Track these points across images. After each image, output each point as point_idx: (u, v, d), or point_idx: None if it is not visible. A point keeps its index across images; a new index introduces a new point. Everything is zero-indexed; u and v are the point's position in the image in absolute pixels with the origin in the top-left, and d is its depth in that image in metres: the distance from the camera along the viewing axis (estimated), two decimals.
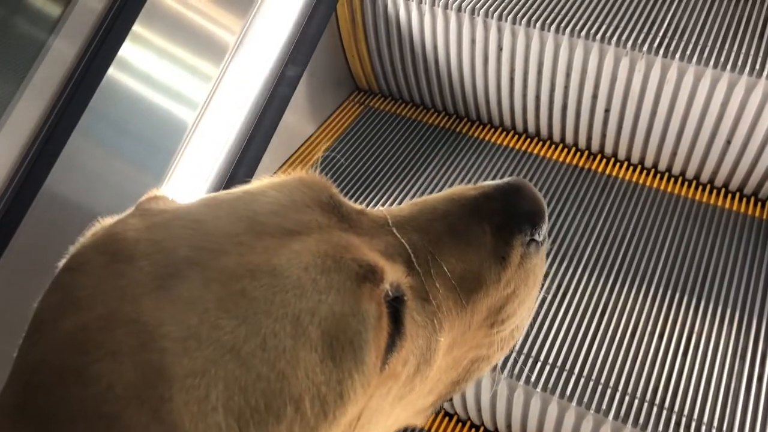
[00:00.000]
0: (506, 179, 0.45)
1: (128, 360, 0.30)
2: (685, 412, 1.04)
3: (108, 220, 0.37)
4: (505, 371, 1.09)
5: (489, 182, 0.45)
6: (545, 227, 0.45)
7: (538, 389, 1.06)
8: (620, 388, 1.06)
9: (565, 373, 1.08)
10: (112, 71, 0.95)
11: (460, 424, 1.24)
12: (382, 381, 0.37)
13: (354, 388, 0.33)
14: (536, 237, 0.45)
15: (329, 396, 0.32)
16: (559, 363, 1.09)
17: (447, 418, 1.26)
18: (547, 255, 1.25)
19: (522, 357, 1.10)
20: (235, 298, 0.32)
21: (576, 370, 1.08)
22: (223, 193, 0.38)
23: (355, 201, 1.38)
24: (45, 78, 0.89)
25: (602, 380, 1.07)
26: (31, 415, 0.30)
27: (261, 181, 0.40)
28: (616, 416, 1.03)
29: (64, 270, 0.35)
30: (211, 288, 0.32)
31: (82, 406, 0.29)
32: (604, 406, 1.04)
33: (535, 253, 0.45)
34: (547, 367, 1.09)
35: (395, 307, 0.37)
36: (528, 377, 1.08)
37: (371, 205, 1.37)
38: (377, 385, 0.36)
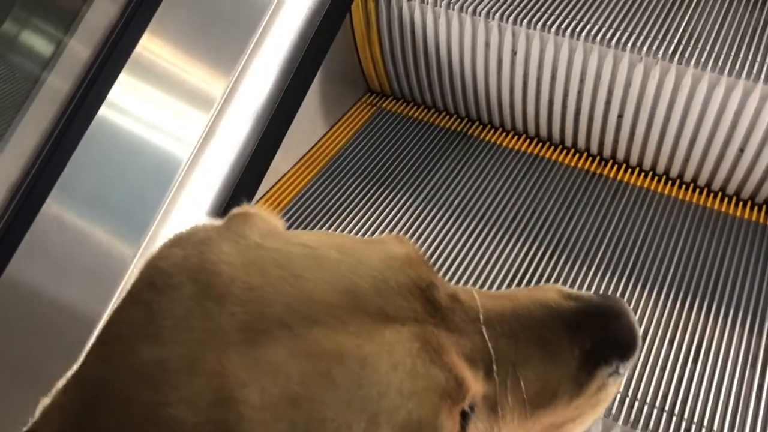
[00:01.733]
0: (607, 298, 0.43)
1: (203, 414, 0.29)
2: (695, 418, 1.04)
3: (200, 225, 0.36)
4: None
5: (588, 294, 0.42)
6: (633, 360, 0.43)
7: None
8: (630, 393, 1.06)
9: None
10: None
11: None
12: None
13: None
14: (620, 370, 0.42)
15: None
16: None
17: None
18: (558, 260, 1.26)
19: None
20: (319, 378, 0.31)
21: None
22: (326, 242, 0.37)
23: (367, 202, 1.38)
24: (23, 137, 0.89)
25: None
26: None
27: (367, 242, 0.39)
28: (626, 421, 1.03)
29: (149, 284, 0.33)
30: (298, 359, 0.31)
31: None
32: (613, 411, 1.04)
33: (612, 383, 0.43)
34: None
35: (464, 413, 0.36)
36: None
37: (384, 207, 1.37)
38: None
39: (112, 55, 0.95)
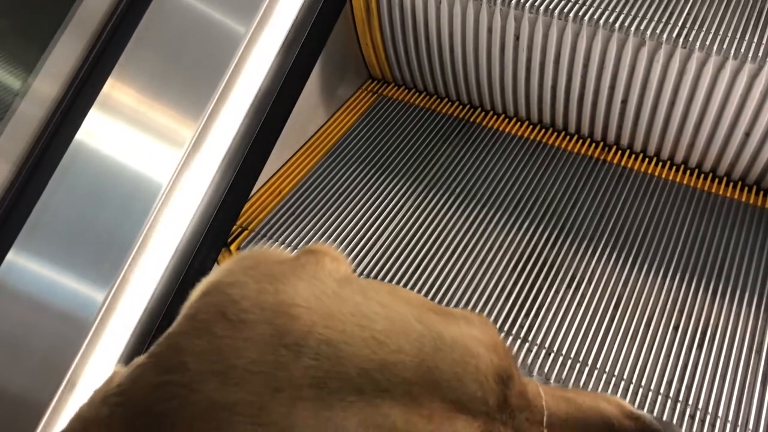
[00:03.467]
0: (667, 425, 0.45)
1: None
2: (700, 405, 1.03)
3: (269, 251, 0.36)
4: (519, 361, 1.08)
5: (650, 417, 0.44)
6: None
7: (552, 380, 1.06)
8: (634, 380, 1.06)
9: (578, 365, 1.07)
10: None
11: None
12: None
13: None
14: None
15: None
16: (572, 355, 1.09)
17: None
18: (561, 246, 1.25)
19: (536, 348, 1.10)
20: None
21: (590, 362, 1.08)
22: (407, 306, 0.36)
23: (369, 189, 1.37)
24: None
25: (616, 372, 1.07)
26: None
27: (448, 314, 0.38)
28: None
29: (220, 314, 0.32)
30: (367, 431, 0.31)
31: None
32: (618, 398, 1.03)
33: None
34: (561, 359, 1.08)
35: None
36: (542, 368, 1.07)
37: (386, 195, 1.37)
38: None
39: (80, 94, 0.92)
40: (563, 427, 0.40)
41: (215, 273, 0.35)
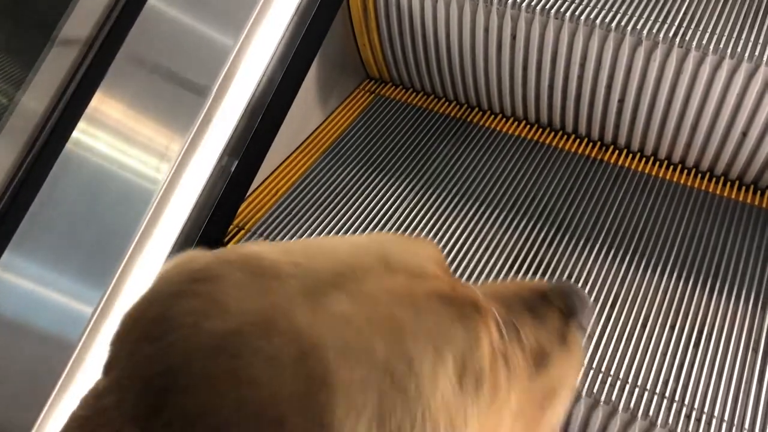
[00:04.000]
0: (558, 281, 0.51)
1: (290, 366, 0.31)
2: (696, 404, 1.03)
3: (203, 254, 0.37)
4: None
5: (543, 282, 0.51)
6: (589, 320, 0.51)
7: None
8: (630, 379, 1.06)
9: None
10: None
11: None
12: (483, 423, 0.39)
13: (473, 416, 0.37)
14: (584, 325, 0.50)
15: (457, 421, 0.35)
16: None
17: None
18: (558, 246, 1.25)
19: None
20: (384, 320, 0.34)
21: (585, 362, 1.07)
22: (351, 237, 0.42)
23: (366, 189, 1.37)
24: None
25: (612, 372, 1.07)
26: (168, 420, 0.30)
27: (383, 234, 0.44)
28: (626, 408, 1.02)
29: (194, 281, 0.34)
30: (361, 309, 0.34)
31: (240, 409, 0.29)
32: (614, 398, 1.03)
33: (581, 337, 0.50)
34: None
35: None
36: None
37: (383, 195, 1.37)
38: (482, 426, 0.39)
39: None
40: (496, 296, 0.45)
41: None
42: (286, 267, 0.35)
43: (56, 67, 0.89)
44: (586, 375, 1.06)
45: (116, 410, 0.31)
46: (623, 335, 1.12)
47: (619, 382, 1.05)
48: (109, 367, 0.33)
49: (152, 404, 0.30)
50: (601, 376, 1.06)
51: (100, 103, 0.92)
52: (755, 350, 1.09)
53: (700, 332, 1.12)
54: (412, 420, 0.33)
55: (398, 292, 0.36)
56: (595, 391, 1.04)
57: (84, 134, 0.91)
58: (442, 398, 0.34)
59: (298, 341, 0.31)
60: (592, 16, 1.27)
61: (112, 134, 0.95)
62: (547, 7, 1.30)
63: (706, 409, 1.02)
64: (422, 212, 1.32)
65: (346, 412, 0.31)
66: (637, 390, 1.05)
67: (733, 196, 1.35)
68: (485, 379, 0.37)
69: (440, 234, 1.28)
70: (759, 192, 1.35)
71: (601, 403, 1.03)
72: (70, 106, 0.88)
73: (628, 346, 1.10)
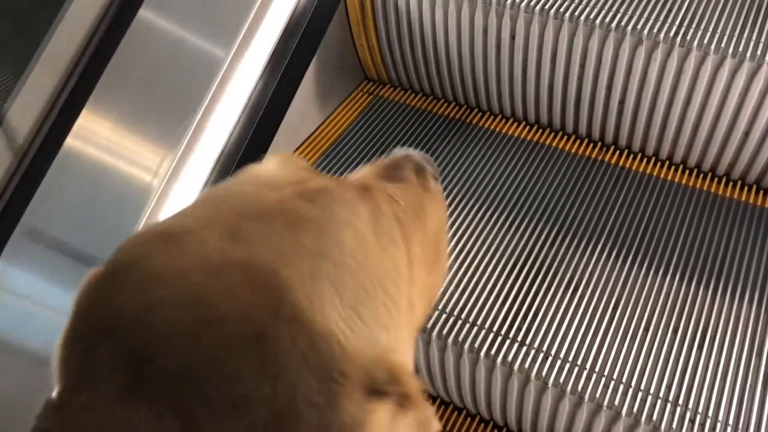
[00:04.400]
0: (395, 151, 0.60)
1: (246, 289, 0.33)
2: (700, 409, 1.02)
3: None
4: (516, 365, 1.07)
5: (385, 158, 0.59)
6: (436, 168, 0.60)
7: (550, 385, 1.05)
8: (633, 384, 1.04)
9: (577, 369, 1.06)
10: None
11: (482, 424, 1.22)
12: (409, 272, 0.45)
13: (403, 266, 0.43)
14: (436, 175, 0.59)
15: (394, 274, 0.41)
16: (570, 358, 1.07)
17: (469, 419, 1.25)
18: (559, 248, 1.24)
19: (533, 351, 1.08)
20: (298, 222, 0.38)
21: (588, 366, 1.06)
22: (222, 185, 0.44)
23: None
24: None
25: (615, 376, 1.05)
26: (152, 383, 0.31)
27: (246, 170, 0.47)
28: (630, 413, 1.01)
29: (115, 271, 0.35)
30: (275, 223, 0.37)
31: (222, 343, 0.31)
32: (617, 402, 1.02)
33: (438, 185, 0.59)
34: (558, 362, 1.07)
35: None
36: (540, 372, 1.06)
37: None
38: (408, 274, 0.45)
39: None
40: (361, 178, 0.52)
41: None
42: (191, 224, 0.37)
43: (42, 82, 0.88)
44: (588, 380, 1.05)
45: (95, 403, 0.31)
46: (626, 338, 1.10)
47: (622, 387, 1.04)
48: (66, 378, 0.33)
49: (132, 377, 0.31)
50: (603, 380, 1.05)
51: (87, 120, 0.91)
52: (759, 354, 1.08)
53: (704, 335, 1.11)
54: (363, 286, 0.37)
55: (295, 199, 0.40)
56: (597, 395, 1.03)
57: (71, 150, 0.90)
58: (375, 260, 0.40)
59: (240, 268, 0.34)
60: (591, 16, 1.26)
61: (100, 150, 0.94)
62: (546, 7, 1.28)
63: (710, 414, 1.01)
64: None
65: (310, 301, 0.34)
66: (640, 394, 1.04)
67: (735, 197, 1.34)
68: (397, 234, 0.44)
69: None
70: (762, 192, 1.34)
71: (604, 408, 1.02)
72: (58, 122, 0.88)
73: (631, 350, 1.09)
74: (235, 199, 0.41)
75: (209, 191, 0.44)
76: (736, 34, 1.22)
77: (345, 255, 0.38)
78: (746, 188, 1.35)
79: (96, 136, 0.93)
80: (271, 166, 0.46)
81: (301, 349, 0.32)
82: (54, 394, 0.33)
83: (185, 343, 0.31)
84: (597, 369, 1.06)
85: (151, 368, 0.31)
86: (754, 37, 1.21)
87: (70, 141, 0.88)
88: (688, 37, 1.21)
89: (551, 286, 1.18)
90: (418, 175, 0.57)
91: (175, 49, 1.07)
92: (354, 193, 0.43)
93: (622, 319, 1.13)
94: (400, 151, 0.60)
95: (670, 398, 1.03)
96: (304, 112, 1.52)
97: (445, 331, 1.11)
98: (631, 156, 1.42)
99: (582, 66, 1.31)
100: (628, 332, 1.11)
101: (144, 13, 0.95)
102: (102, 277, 0.35)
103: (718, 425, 1.00)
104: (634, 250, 1.24)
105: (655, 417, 1.01)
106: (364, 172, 0.56)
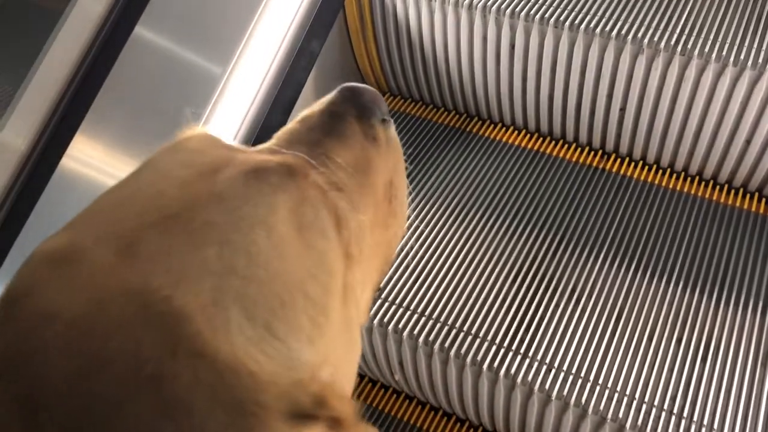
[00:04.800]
0: (338, 89, 0.51)
1: (138, 324, 0.30)
2: (705, 421, 1.01)
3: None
4: (519, 377, 1.06)
5: (326, 97, 0.51)
6: (385, 107, 0.53)
7: (554, 397, 1.04)
8: (637, 396, 1.04)
9: (580, 381, 1.05)
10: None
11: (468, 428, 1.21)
12: (346, 262, 0.40)
13: (333, 262, 0.38)
14: (385, 117, 0.52)
15: (320, 274, 0.36)
16: (574, 370, 1.07)
17: (472, 430, 1.24)
18: (561, 257, 1.23)
19: (536, 364, 1.08)
20: (201, 231, 0.33)
21: (592, 378, 1.05)
22: (124, 181, 0.40)
23: None
24: None
25: (618, 388, 1.04)
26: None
27: (153, 154, 0.42)
28: (634, 425, 1.00)
29: (9, 303, 0.32)
30: (174, 234, 0.33)
31: (117, 387, 0.28)
32: (621, 415, 1.01)
33: (389, 128, 0.52)
34: (562, 374, 1.06)
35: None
36: (543, 385, 1.05)
37: None
38: (344, 265, 0.40)
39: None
40: (292, 139, 0.46)
41: None
42: (83, 242, 0.34)
43: (35, 105, 0.87)
44: (591, 392, 1.04)
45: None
46: (629, 350, 1.10)
47: (626, 399, 1.03)
48: None
49: (29, 429, 0.28)
50: (607, 392, 1.04)
51: (80, 143, 0.90)
52: (764, 364, 1.07)
53: (708, 346, 1.10)
54: (278, 298, 0.33)
55: (200, 199, 0.35)
56: (601, 408, 1.02)
57: (66, 172, 0.89)
58: (294, 263, 0.35)
59: (132, 298, 0.30)
60: (591, 25, 1.26)
61: (95, 171, 0.93)
62: (546, 16, 1.28)
63: (715, 426, 1.00)
64: (423, 223, 1.30)
65: (213, 330, 0.30)
66: (644, 406, 1.03)
67: (737, 204, 1.33)
68: (327, 223, 0.38)
69: (442, 244, 1.26)
70: (764, 200, 1.33)
71: (608, 421, 1.01)
72: (50, 147, 0.87)
73: (635, 361, 1.08)
74: (135, 200, 0.36)
75: (110, 188, 0.39)
76: (737, 42, 1.22)
77: (255, 265, 0.33)
78: (748, 196, 1.34)
79: (90, 157, 0.92)
80: (177, 152, 0.41)
81: (207, 384, 0.29)
82: None
83: (73, 390, 0.28)
84: (600, 381, 1.05)
85: (44, 418, 0.28)
86: (755, 46, 1.21)
87: (66, 161, 0.88)
88: (689, 46, 1.21)
89: (554, 297, 1.17)
90: (361, 121, 0.49)
91: (173, 62, 1.07)
92: (272, 182, 0.37)
93: (626, 329, 1.12)
94: (337, 93, 0.51)
95: (675, 410, 1.02)
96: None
97: (447, 344, 1.10)
98: (633, 164, 1.41)
99: (582, 74, 1.31)
100: (631, 343, 1.10)
101: (140, 30, 0.95)
102: None
103: None
104: (636, 259, 1.23)
105: (659, 430, 1.00)
106: (294, 128, 0.48)
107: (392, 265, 1.22)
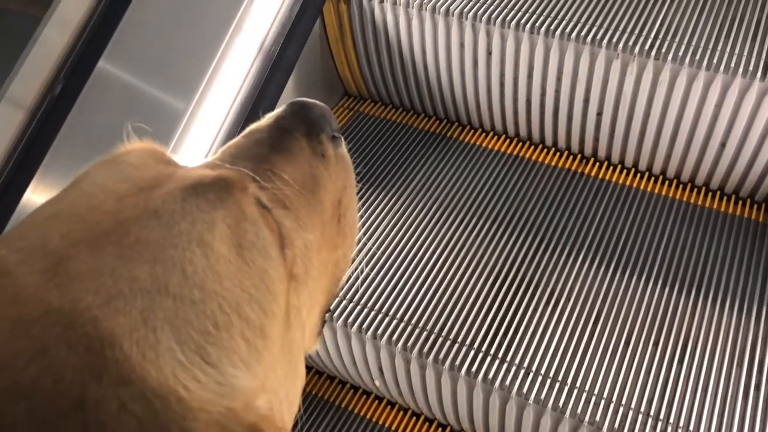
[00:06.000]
0: (288, 104, 0.50)
1: (61, 347, 0.28)
2: (681, 422, 1.02)
3: None
4: (497, 381, 1.06)
5: (275, 111, 0.50)
6: (335, 124, 0.52)
7: (531, 401, 1.04)
8: (614, 398, 1.04)
9: (558, 384, 1.06)
10: None
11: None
12: (290, 283, 0.39)
13: (274, 282, 0.36)
14: (335, 134, 0.51)
15: (259, 295, 0.35)
16: (551, 374, 1.07)
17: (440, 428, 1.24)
18: (540, 260, 1.23)
19: (514, 368, 1.08)
20: (134, 248, 0.32)
21: (569, 381, 1.06)
22: (60, 193, 0.38)
23: None
24: None
25: (596, 391, 1.05)
26: None
27: (90, 164, 0.41)
28: (611, 428, 1.01)
29: None
30: (105, 251, 0.32)
31: (35, 416, 0.27)
32: (598, 418, 1.02)
33: (339, 145, 0.51)
34: (540, 378, 1.07)
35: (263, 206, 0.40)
36: (521, 389, 1.05)
37: (363, 211, 1.35)
38: (288, 285, 0.39)
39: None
40: (238, 155, 0.44)
41: None
42: (9, 258, 0.32)
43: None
44: (569, 395, 1.05)
45: None
46: (606, 353, 1.10)
47: (603, 402, 1.04)
48: None
49: None
50: (585, 395, 1.05)
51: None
52: (740, 365, 1.08)
53: (684, 348, 1.11)
54: (212, 319, 0.32)
55: (135, 215, 0.34)
56: (578, 411, 1.03)
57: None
58: (233, 285, 0.34)
59: (56, 319, 0.29)
60: (567, 31, 1.27)
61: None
62: (522, 22, 1.29)
63: (691, 428, 1.01)
64: (403, 228, 1.31)
65: (142, 354, 0.29)
66: (621, 409, 1.03)
67: (714, 206, 1.34)
68: (268, 242, 0.37)
69: (422, 249, 1.26)
70: (740, 201, 1.35)
71: (585, 424, 1.02)
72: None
73: (612, 364, 1.09)
74: (67, 215, 0.35)
75: (45, 203, 0.37)
76: (710, 47, 1.23)
77: (189, 285, 0.32)
78: (725, 198, 1.35)
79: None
80: (116, 165, 0.39)
81: (133, 412, 0.28)
82: None
83: None
84: (578, 384, 1.06)
85: None
86: (727, 50, 1.22)
87: (28, 198, 0.86)
88: (663, 50, 1.22)
89: (531, 301, 1.18)
90: (310, 138, 0.48)
91: (155, 71, 1.07)
92: (210, 198, 0.36)
93: (603, 333, 1.13)
94: (286, 107, 0.50)
95: (651, 413, 1.03)
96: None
97: (426, 349, 1.11)
98: (611, 168, 1.42)
99: (558, 80, 1.32)
100: (608, 346, 1.11)
101: (103, 65, 0.94)
102: None
103: None
104: (614, 262, 1.24)
105: None
106: (239, 143, 0.47)
107: (343, 286, 1.22)
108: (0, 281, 0.31)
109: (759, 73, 1.16)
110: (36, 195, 0.88)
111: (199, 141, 1.17)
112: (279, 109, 0.50)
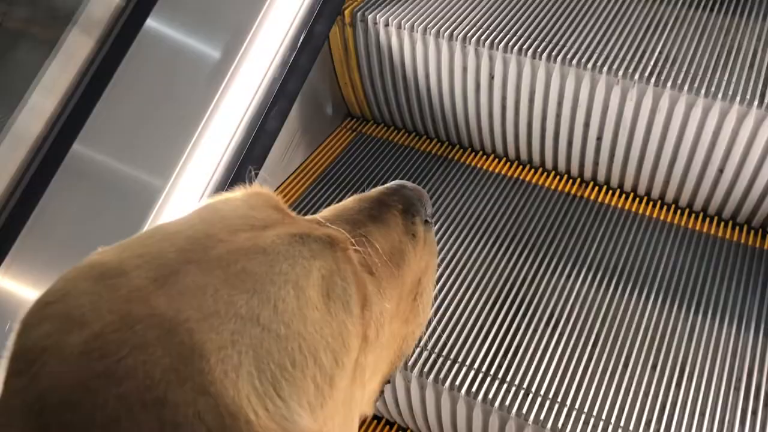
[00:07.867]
0: (394, 182, 0.55)
1: (158, 347, 0.31)
2: None
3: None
4: (497, 402, 1.07)
5: (382, 186, 0.54)
6: (430, 210, 0.55)
7: (530, 422, 1.05)
8: (613, 420, 1.05)
9: (557, 406, 1.06)
10: None
11: None
12: (362, 342, 0.41)
13: (351, 337, 0.38)
14: (428, 219, 0.54)
15: (336, 345, 0.37)
16: (551, 395, 1.08)
17: None
18: (539, 284, 1.25)
19: (513, 388, 1.09)
20: (238, 276, 0.35)
21: (568, 403, 1.07)
22: (183, 216, 0.42)
23: None
24: None
25: (594, 412, 1.06)
26: None
27: (214, 198, 0.44)
28: None
29: (46, 305, 0.34)
30: (213, 274, 0.35)
31: (122, 402, 0.29)
32: None
33: (430, 230, 0.55)
34: (539, 399, 1.07)
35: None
36: (520, 410, 1.06)
37: None
38: (360, 344, 0.41)
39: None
40: (338, 217, 0.48)
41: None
42: (129, 262, 0.35)
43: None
44: (568, 417, 1.05)
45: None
46: (605, 375, 1.11)
47: (601, 423, 1.05)
48: None
49: (35, 428, 0.29)
50: (583, 417, 1.05)
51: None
52: (737, 389, 1.09)
53: (682, 371, 1.12)
54: (291, 357, 0.34)
55: (245, 247, 0.37)
56: None
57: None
58: (315, 330, 0.36)
59: (158, 322, 0.32)
60: (568, 57, 1.29)
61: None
62: (524, 47, 1.31)
63: None
64: None
65: (224, 371, 0.31)
66: (620, 431, 1.04)
67: (712, 232, 1.36)
68: (353, 299, 0.39)
69: None
70: (738, 227, 1.36)
71: None
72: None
73: (611, 387, 1.09)
74: (186, 235, 0.38)
75: (165, 223, 0.41)
76: (709, 74, 1.25)
77: (277, 321, 0.34)
78: (722, 223, 1.37)
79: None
80: (236, 202, 0.43)
81: (205, 421, 0.30)
82: None
83: (79, 399, 0.29)
84: (576, 406, 1.07)
85: (51, 419, 0.29)
86: (725, 78, 1.24)
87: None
88: (662, 78, 1.24)
89: (531, 322, 1.19)
90: (405, 216, 0.52)
91: (167, 86, 1.09)
92: (313, 248, 0.39)
93: (602, 355, 1.14)
94: (392, 184, 0.54)
95: None
96: (288, 148, 1.54)
97: (426, 369, 1.11)
98: (610, 192, 1.44)
99: (559, 104, 1.34)
100: (607, 368, 1.12)
101: (150, 22, 0.95)
102: (34, 307, 0.34)
103: None
104: (613, 285, 1.25)
105: None
106: (344, 206, 0.51)
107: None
108: (117, 280, 0.34)
109: (756, 101, 1.18)
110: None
111: (223, 129, 1.19)
112: (385, 185, 0.54)
